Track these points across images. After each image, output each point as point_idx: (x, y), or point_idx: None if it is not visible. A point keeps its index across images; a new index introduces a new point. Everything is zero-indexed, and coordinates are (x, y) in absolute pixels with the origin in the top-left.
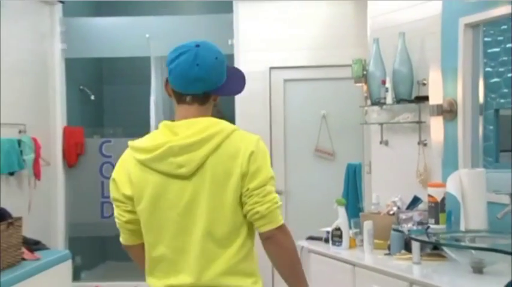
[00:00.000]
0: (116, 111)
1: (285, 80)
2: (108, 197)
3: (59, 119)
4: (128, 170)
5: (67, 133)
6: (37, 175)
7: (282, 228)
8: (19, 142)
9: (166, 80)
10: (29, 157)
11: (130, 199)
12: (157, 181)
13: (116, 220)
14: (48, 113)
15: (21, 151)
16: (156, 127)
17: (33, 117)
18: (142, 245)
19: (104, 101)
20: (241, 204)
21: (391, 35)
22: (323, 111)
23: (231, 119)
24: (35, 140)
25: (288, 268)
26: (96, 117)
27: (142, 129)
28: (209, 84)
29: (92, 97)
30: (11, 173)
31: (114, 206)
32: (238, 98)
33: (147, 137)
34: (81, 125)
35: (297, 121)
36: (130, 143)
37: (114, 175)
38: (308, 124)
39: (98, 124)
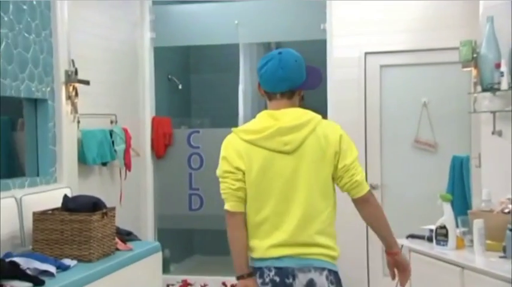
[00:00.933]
0: (204, 101)
1: (382, 66)
2: (197, 189)
3: (148, 109)
4: (237, 149)
5: (156, 124)
6: (128, 165)
7: (371, 191)
8: (111, 133)
9: (259, 84)
10: (120, 147)
11: (240, 170)
12: (265, 156)
13: (224, 191)
14: (137, 103)
15: (112, 142)
16: (245, 117)
17: (123, 108)
18: (242, 215)
19: (192, 91)
20: (333, 178)
21: (507, 12)
22: (424, 99)
23: (322, 108)
24: (125, 130)
25: (383, 221)
26: (183, 108)
27: (231, 119)
28: (292, 82)
29: (180, 86)
30: (104, 164)
31: (221, 179)
32: (331, 86)
33: (250, 123)
34: (169, 115)
35: (395, 110)
36: (235, 129)
37: (223, 153)
38: (407, 113)
39: (186, 114)
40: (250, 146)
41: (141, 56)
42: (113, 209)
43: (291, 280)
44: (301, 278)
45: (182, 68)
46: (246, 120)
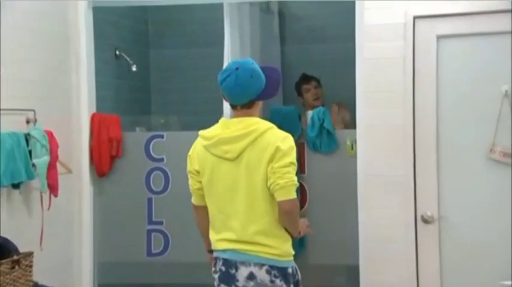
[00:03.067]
0: (170, 90)
1: (439, 37)
2: (159, 223)
3: (84, 103)
4: (197, 151)
5: (96, 124)
6: (53, 188)
7: (294, 201)
8: (27, 138)
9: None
10: (42, 160)
11: (198, 172)
12: (213, 161)
13: (191, 187)
14: (68, 94)
15: (29, 152)
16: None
17: (46, 101)
18: (205, 208)
19: (152, 75)
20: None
21: None
22: (505, 88)
23: (350, 103)
24: (49, 134)
25: (292, 224)
26: (139, 100)
27: (212, 116)
28: (249, 96)
29: (134, 67)
30: (15, 186)
31: (189, 176)
32: (361, 70)
33: (211, 127)
34: (117, 112)
35: (459, 104)
36: (200, 132)
37: (190, 151)
38: (477, 109)
39: (143, 110)
40: (204, 151)
41: (74, 22)
42: (30, 254)
43: (234, 271)
44: (243, 271)
45: (137, 40)
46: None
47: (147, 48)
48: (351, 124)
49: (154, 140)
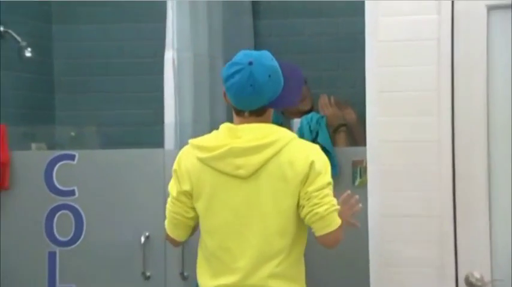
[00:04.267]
0: (84, 88)
1: (490, 7)
2: None
3: None
4: (188, 166)
5: None
6: None
7: (338, 231)
8: None
9: (225, 93)
10: None
11: (190, 195)
12: (216, 179)
13: (177, 215)
14: None
15: None
16: (183, 119)
17: None
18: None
19: (56, 64)
20: (298, 209)
21: None
22: None
23: (359, 109)
24: None
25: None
26: (38, 103)
27: (149, 127)
28: (263, 100)
29: (28, 52)
30: None
31: (171, 201)
32: (373, 59)
33: (208, 136)
34: (2, 120)
35: None
36: (192, 140)
37: (175, 165)
38: None
39: (44, 118)
40: (201, 166)
41: None
42: None
43: None
44: None
45: (34, 14)
46: (183, 126)
47: (49, 23)
48: (359, 138)
49: (61, 162)
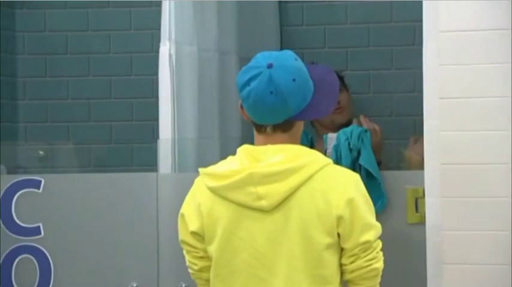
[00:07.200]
0: (55, 93)
1: None
2: None
3: None
4: (198, 201)
5: None
6: None
7: None
8: None
9: (241, 105)
10: None
11: (200, 237)
12: (232, 213)
13: (189, 269)
14: None
15: None
16: (183, 130)
17: None
18: None
19: (20, 60)
20: (336, 253)
21: None
22: None
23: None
24: None
25: None
26: None
27: (137, 146)
28: (290, 111)
29: None
30: None
31: (184, 252)
32: (433, 52)
33: (222, 162)
34: None
35: None
36: (202, 169)
37: (182, 209)
38: None
39: (2, 131)
40: (214, 198)
41: None
42: None
43: None
44: None
45: None
46: (184, 143)
47: (11, 8)
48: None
49: (22, 191)
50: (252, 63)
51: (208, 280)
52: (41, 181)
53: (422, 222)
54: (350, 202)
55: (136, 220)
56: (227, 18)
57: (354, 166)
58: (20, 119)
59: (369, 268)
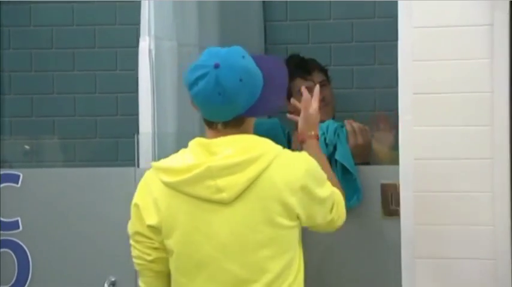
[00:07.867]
0: (40, 83)
1: None
2: None
3: None
4: (154, 196)
5: None
6: None
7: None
8: None
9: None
10: None
11: (157, 230)
12: (192, 208)
13: (137, 260)
14: None
15: None
16: (161, 126)
17: None
18: None
19: (4, 55)
20: (298, 228)
21: None
22: None
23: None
24: None
25: None
26: None
27: (118, 140)
28: (238, 109)
29: None
30: None
31: (132, 242)
32: (407, 47)
33: (174, 156)
34: None
35: None
36: (155, 163)
37: (136, 199)
38: None
39: None
40: (171, 193)
41: None
42: None
43: None
44: None
45: None
46: (164, 137)
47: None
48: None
49: (0, 185)
50: (199, 61)
51: (158, 272)
52: (19, 176)
53: (397, 217)
54: (303, 189)
55: (114, 214)
56: (208, 13)
57: (330, 161)
58: (5, 113)
59: (316, 225)
